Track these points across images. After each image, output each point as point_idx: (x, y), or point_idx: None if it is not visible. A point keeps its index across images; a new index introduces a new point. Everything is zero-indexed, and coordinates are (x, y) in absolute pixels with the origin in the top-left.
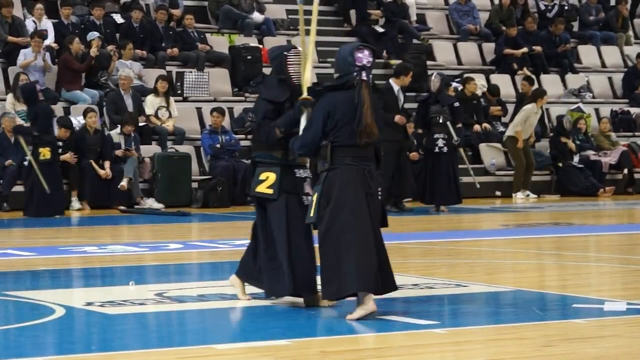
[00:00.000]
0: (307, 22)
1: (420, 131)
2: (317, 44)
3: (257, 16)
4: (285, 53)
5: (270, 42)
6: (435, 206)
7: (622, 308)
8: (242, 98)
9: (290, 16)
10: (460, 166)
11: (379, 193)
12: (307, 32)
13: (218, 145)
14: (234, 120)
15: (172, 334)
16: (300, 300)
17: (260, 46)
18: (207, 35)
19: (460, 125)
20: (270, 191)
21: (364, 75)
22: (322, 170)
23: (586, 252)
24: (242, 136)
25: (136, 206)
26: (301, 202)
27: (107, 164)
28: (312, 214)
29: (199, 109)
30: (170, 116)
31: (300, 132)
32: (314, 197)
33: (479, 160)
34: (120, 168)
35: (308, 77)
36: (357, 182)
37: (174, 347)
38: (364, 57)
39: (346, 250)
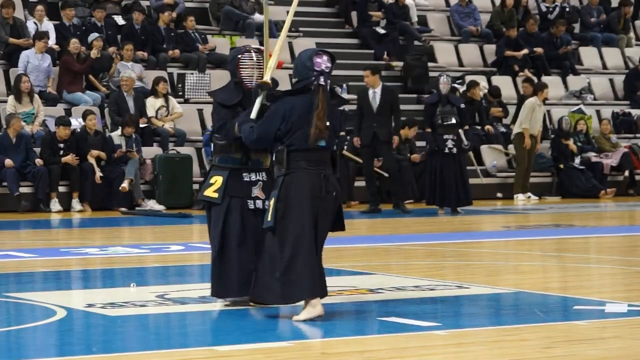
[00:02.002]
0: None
1: (429, 130)
2: (317, 45)
3: (258, 17)
4: (238, 56)
5: (272, 43)
6: (451, 209)
7: (623, 310)
8: None
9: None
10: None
11: (335, 196)
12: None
13: None
14: None
15: (173, 336)
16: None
17: (262, 47)
18: (208, 36)
19: (467, 127)
20: (215, 195)
21: (321, 80)
22: (278, 175)
23: (587, 253)
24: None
25: (137, 208)
26: (245, 206)
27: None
28: (269, 219)
29: (200, 111)
30: (168, 114)
31: (252, 116)
32: (271, 202)
33: (481, 162)
34: (122, 170)
35: (272, 66)
36: (312, 186)
37: (175, 349)
38: (323, 62)
39: (297, 256)
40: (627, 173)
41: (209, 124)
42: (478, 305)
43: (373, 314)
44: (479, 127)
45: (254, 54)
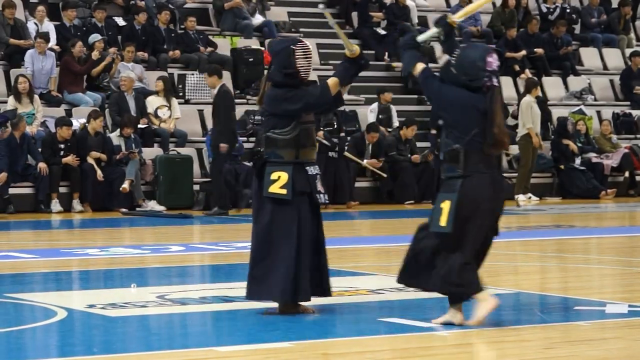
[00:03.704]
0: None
1: (434, 132)
2: (319, 46)
3: (258, 18)
4: (292, 47)
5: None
6: None
7: (623, 310)
8: (244, 100)
9: (292, 18)
10: None
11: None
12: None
13: None
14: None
15: (174, 337)
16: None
17: (262, 48)
18: (209, 37)
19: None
20: (284, 191)
21: (494, 81)
22: (452, 176)
23: (588, 254)
24: (245, 138)
25: (138, 208)
26: (313, 202)
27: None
28: (443, 223)
29: (200, 111)
30: (170, 116)
31: (420, 38)
32: (445, 205)
33: None
34: (122, 170)
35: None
36: (490, 190)
37: (176, 350)
38: (494, 61)
39: (469, 262)
40: (627, 174)
41: (209, 124)
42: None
43: (374, 314)
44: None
45: (307, 44)
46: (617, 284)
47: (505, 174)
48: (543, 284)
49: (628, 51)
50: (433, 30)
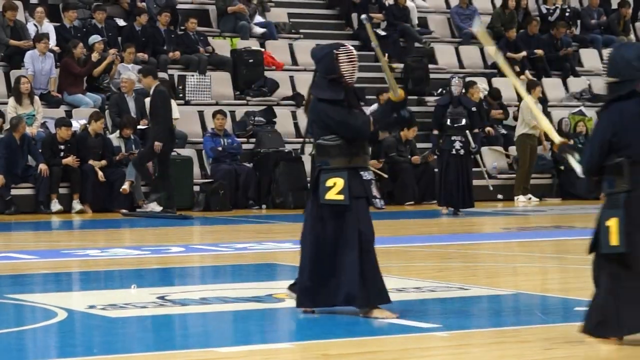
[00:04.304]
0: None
1: (436, 132)
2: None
3: (259, 19)
4: (335, 51)
5: (272, 45)
6: (454, 210)
7: None
8: (244, 101)
9: (292, 20)
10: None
11: None
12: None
13: (220, 149)
14: (235, 123)
15: (174, 337)
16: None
17: (262, 49)
18: (209, 38)
19: (476, 130)
20: (341, 197)
21: None
22: (618, 192)
23: (588, 255)
24: (244, 139)
25: (138, 209)
26: (368, 207)
27: (98, 163)
28: (615, 243)
29: (200, 112)
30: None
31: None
32: (612, 222)
33: (482, 164)
34: (122, 171)
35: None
36: None
37: (176, 350)
38: None
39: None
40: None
41: (209, 125)
42: (479, 307)
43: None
44: (479, 129)
45: (350, 48)
46: None
47: (504, 175)
48: (543, 284)
49: None
50: (574, 162)
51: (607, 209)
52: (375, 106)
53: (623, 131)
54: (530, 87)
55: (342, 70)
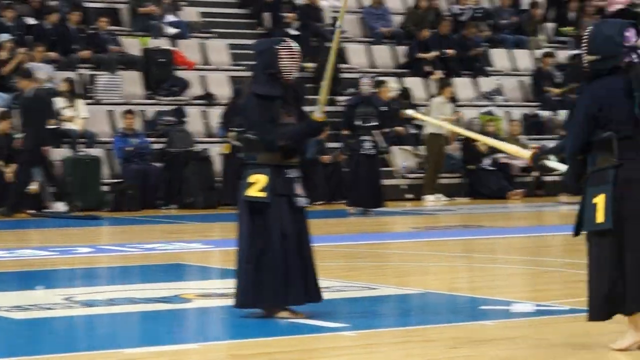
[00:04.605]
0: None
1: (346, 132)
2: (230, 46)
3: (170, 18)
4: (275, 46)
5: (183, 44)
6: (363, 209)
7: (529, 309)
8: (155, 101)
9: (203, 19)
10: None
11: None
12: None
13: (130, 149)
14: (146, 123)
15: (81, 339)
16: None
17: (173, 49)
18: (120, 37)
19: (387, 130)
20: (263, 194)
21: (634, 58)
22: (604, 168)
23: (495, 254)
24: (154, 139)
25: (46, 210)
26: (292, 205)
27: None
28: (601, 219)
29: (110, 112)
30: (76, 116)
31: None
32: (599, 199)
33: (392, 163)
34: (30, 172)
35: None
36: None
37: (83, 352)
38: (633, 36)
39: None
40: (535, 174)
41: (119, 125)
42: (387, 306)
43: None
44: (389, 129)
45: (292, 44)
46: (524, 284)
47: (414, 175)
48: (451, 283)
49: (538, 52)
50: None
51: (594, 186)
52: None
53: (609, 106)
54: (442, 86)
55: (282, 65)
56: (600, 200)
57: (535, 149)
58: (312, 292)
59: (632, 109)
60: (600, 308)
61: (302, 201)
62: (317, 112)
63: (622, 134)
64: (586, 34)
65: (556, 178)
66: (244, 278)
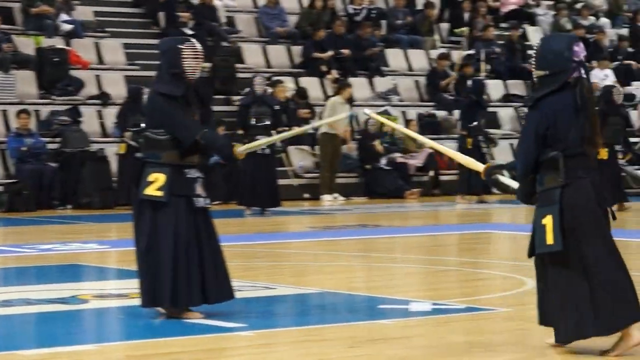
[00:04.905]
0: None
1: (240, 132)
2: (125, 45)
3: (64, 17)
4: (179, 46)
5: (78, 44)
6: (260, 209)
7: (427, 308)
8: (49, 100)
9: (97, 18)
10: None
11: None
12: None
13: (24, 149)
14: (40, 123)
15: None
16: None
17: (68, 48)
18: (13, 36)
19: (280, 129)
20: (160, 193)
21: (583, 73)
22: (552, 187)
23: (393, 253)
24: (49, 139)
25: None
26: (191, 205)
27: None
28: (551, 241)
29: (4, 112)
30: None
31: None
32: (547, 220)
33: (288, 163)
34: None
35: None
36: (592, 196)
37: None
38: (581, 50)
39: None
40: (432, 173)
41: (13, 125)
42: (284, 306)
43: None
44: (286, 128)
45: (196, 43)
46: (421, 282)
47: (311, 175)
48: (348, 283)
49: (433, 52)
50: (507, 181)
51: (542, 207)
52: None
53: (556, 125)
54: (340, 87)
55: (185, 65)
56: (548, 222)
57: (488, 164)
58: (213, 292)
59: (581, 126)
60: (572, 332)
61: (201, 201)
62: (241, 148)
63: (570, 152)
64: (535, 49)
65: (452, 177)
66: (143, 277)
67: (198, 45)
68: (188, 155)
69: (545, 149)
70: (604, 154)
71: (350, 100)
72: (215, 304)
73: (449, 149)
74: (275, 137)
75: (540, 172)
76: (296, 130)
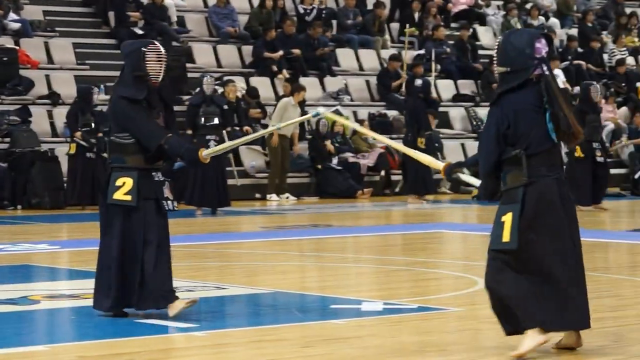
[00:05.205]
0: None
1: (190, 132)
2: (74, 45)
3: (13, 17)
4: (143, 49)
5: (27, 43)
6: (211, 210)
7: (379, 308)
8: None
9: (47, 17)
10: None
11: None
12: None
13: None
14: None
15: None
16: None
17: (17, 47)
18: None
19: (229, 128)
20: (129, 198)
21: (545, 69)
22: (514, 186)
23: (345, 253)
24: None
25: None
26: (160, 208)
27: None
28: (507, 239)
29: None
30: None
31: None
32: (507, 217)
33: (239, 163)
34: None
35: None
36: (557, 195)
37: None
38: (543, 47)
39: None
40: (383, 173)
41: None
42: (236, 306)
43: (131, 315)
44: (237, 128)
45: (160, 46)
46: (373, 282)
47: (263, 174)
48: (301, 283)
49: (383, 52)
50: (468, 177)
51: (504, 204)
52: None
53: (517, 123)
54: (294, 89)
55: (149, 68)
56: (507, 219)
57: (448, 162)
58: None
59: (543, 124)
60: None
61: (170, 204)
62: (205, 152)
63: (533, 150)
64: (496, 45)
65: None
66: (106, 281)
67: (162, 49)
68: (153, 159)
69: (508, 147)
70: (580, 152)
71: (302, 103)
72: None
73: (407, 147)
74: (240, 140)
75: (504, 170)
76: (261, 132)
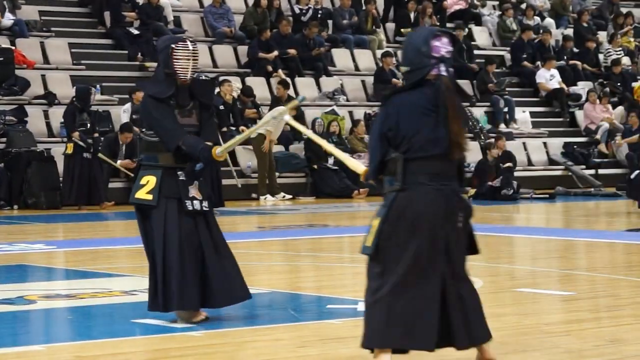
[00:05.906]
0: None
1: None
2: (70, 45)
3: (9, 17)
4: (172, 46)
5: (23, 43)
6: None
7: None
8: None
9: (43, 17)
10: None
11: (464, 216)
12: None
13: None
14: None
15: None
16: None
17: (13, 47)
18: None
19: (225, 128)
20: (150, 197)
21: (442, 70)
22: (389, 191)
23: (341, 253)
24: None
25: None
26: (182, 208)
27: None
28: (368, 243)
29: None
30: None
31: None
32: (374, 223)
33: (236, 163)
34: None
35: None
36: (433, 208)
37: None
38: (443, 45)
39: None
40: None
41: None
42: (233, 306)
43: (128, 316)
44: (233, 128)
45: (189, 44)
46: None
47: (257, 175)
48: (297, 283)
49: (379, 52)
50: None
51: (379, 208)
52: None
53: (399, 125)
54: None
55: (176, 66)
56: (374, 224)
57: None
58: (219, 296)
59: (431, 127)
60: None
61: (197, 204)
62: (218, 150)
63: (412, 154)
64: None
65: None
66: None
67: (190, 46)
68: (183, 158)
69: (391, 149)
70: None
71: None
72: (224, 307)
73: (336, 149)
74: (250, 130)
75: (385, 173)
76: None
